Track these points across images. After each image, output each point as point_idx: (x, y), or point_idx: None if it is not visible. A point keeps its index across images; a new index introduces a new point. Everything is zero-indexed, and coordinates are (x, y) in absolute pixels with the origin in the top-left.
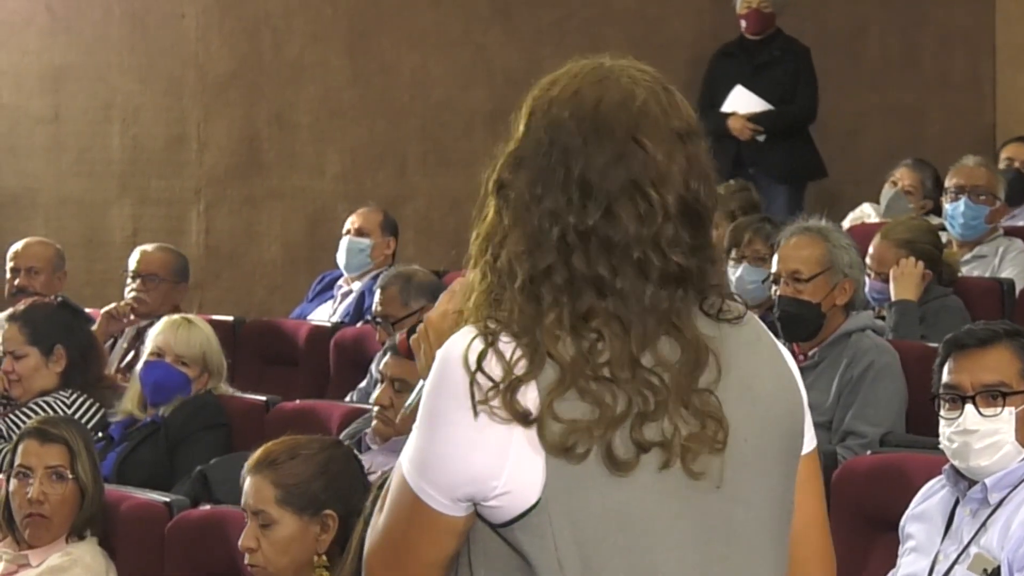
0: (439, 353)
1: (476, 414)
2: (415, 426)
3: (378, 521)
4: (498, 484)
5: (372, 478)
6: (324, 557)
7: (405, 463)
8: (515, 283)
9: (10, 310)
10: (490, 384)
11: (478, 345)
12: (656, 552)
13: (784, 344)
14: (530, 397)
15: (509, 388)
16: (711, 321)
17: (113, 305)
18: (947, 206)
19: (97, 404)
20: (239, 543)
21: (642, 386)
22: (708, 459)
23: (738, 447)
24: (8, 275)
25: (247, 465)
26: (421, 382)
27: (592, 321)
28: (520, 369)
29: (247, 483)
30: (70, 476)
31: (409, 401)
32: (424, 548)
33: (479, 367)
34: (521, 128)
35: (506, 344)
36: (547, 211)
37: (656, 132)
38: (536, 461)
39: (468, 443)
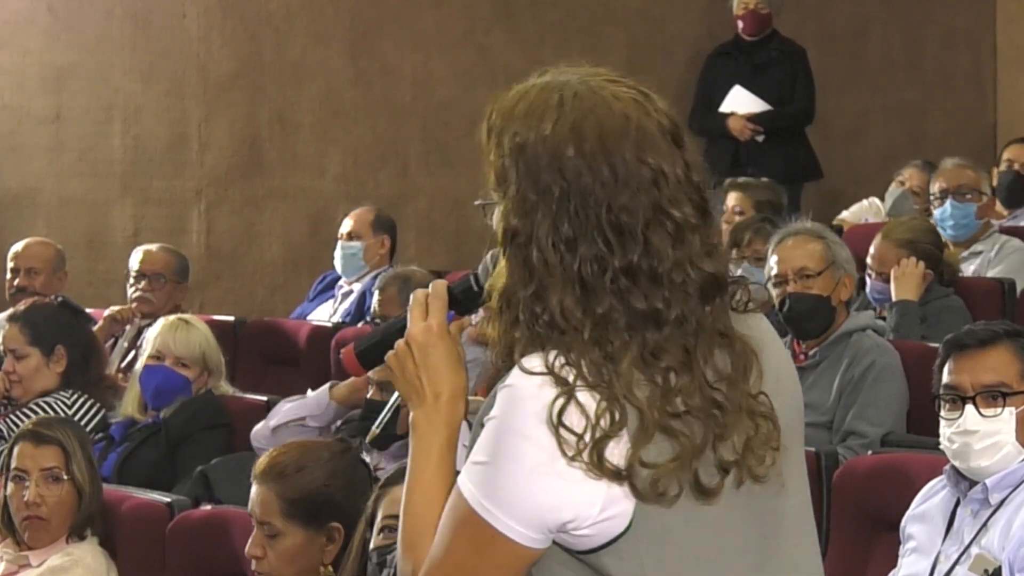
0: (510, 393)
1: (569, 465)
2: (485, 459)
3: (431, 551)
4: (593, 512)
5: (379, 474)
6: (330, 568)
7: (478, 498)
8: (582, 334)
9: (11, 310)
10: (575, 437)
11: (559, 397)
12: (726, 554)
13: (788, 342)
14: (617, 453)
15: (595, 447)
16: (737, 315)
17: (117, 308)
18: (935, 212)
19: (98, 404)
20: (246, 550)
21: (711, 407)
22: (770, 460)
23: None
24: (8, 275)
25: (255, 471)
26: (395, 395)
27: (660, 355)
28: (605, 423)
29: (253, 491)
30: (65, 477)
31: (380, 419)
32: None
33: (560, 421)
34: (509, 166)
35: (584, 394)
36: (588, 257)
37: (657, 147)
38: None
39: (559, 485)
